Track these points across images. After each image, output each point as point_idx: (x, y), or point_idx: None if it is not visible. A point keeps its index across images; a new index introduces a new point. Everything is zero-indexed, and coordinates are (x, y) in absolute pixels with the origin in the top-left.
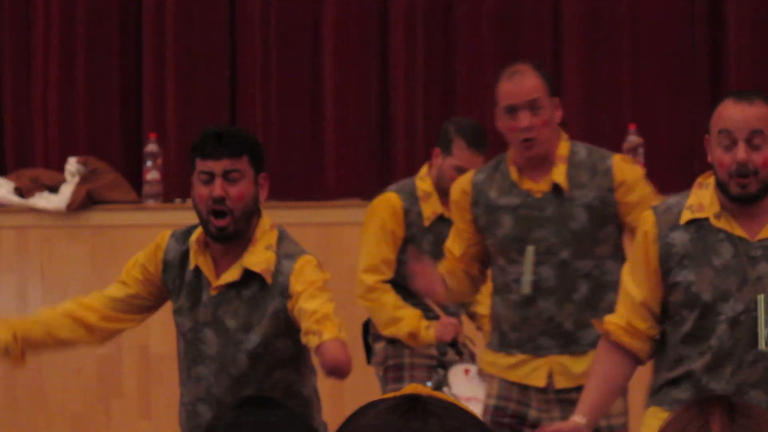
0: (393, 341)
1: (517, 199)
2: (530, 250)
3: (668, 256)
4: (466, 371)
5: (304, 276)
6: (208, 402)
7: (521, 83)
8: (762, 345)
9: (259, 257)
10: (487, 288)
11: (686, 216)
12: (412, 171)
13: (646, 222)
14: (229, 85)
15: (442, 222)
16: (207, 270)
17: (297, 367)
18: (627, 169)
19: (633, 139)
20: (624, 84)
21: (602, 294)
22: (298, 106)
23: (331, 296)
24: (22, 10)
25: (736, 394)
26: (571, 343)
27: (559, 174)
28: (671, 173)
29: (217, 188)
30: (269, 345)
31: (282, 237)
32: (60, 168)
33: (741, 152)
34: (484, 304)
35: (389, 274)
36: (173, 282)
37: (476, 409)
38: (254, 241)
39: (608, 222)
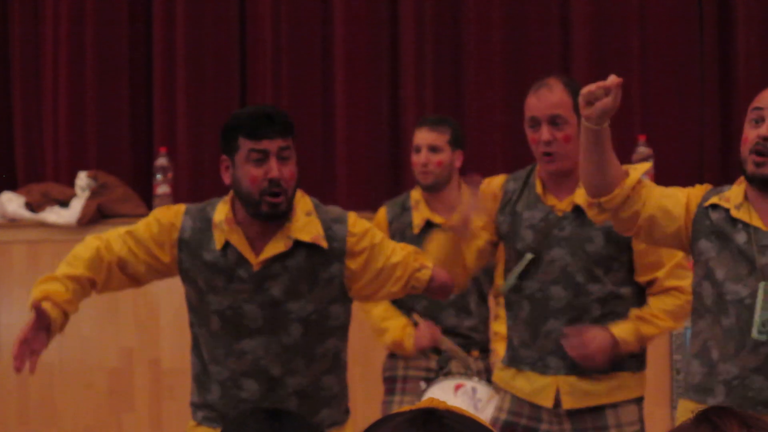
0: (392, 354)
1: (540, 213)
2: (527, 257)
3: (701, 221)
4: (457, 386)
5: (361, 232)
6: (254, 375)
7: (545, 97)
8: (754, 333)
9: (303, 225)
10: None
11: (713, 200)
12: None
13: (697, 187)
14: (239, 100)
15: (434, 228)
16: (242, 247)
17: (344, 334)
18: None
19: (642, 150)
20: (633, 95)
21: (614, 319)
22: (309, 121)
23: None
24: (31, 24)
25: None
26: (577, 365)
27: (582, 195)
28: (680, 184)
29: (274, 169)
30: (323, 311)
31: (315, 202)
32: (70, 182)
33: (764, 128)
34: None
35: None
36: (191, 261)
37: None
38: (293, 210)
39: (624, 249)
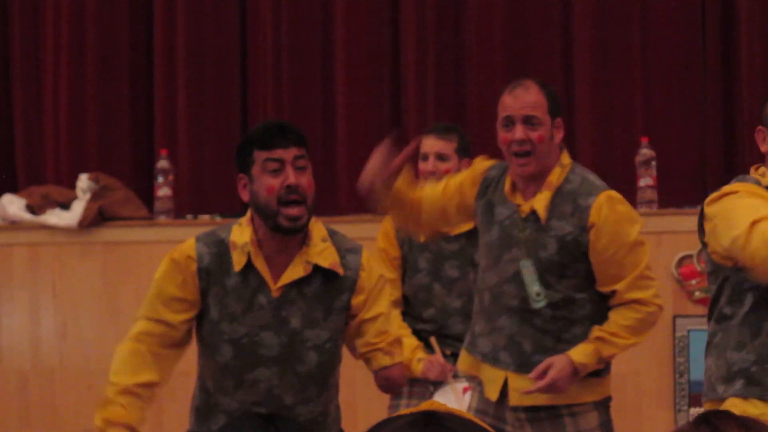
0: None
1: (508, 211)
2: (526, 264)
3: None
4: (465, 389)
5: (371, 270)
6: (266, 404)
7: (520, 96)
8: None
9: (321, 250)
10: None
11: None
12: None
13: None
14: (240, 102)
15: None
16: (264, 271)
17: (341, 358)
18: (605, 210)
19: (645, 152)
20: (636, 97)
21: (566, 325)
22: (310, 123)
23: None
24: (31, 27)
25: None
26: (527, 364)
27: (540, 201)
28: (684, 186)
29: (291, 176)
30: (337, 339)
31: (329, 228)
32: (71, 185)
33: None
34: None
35: (393, 294)
36: (214, 289)
37: None
38: (309, 235)
39: (579, 259)
